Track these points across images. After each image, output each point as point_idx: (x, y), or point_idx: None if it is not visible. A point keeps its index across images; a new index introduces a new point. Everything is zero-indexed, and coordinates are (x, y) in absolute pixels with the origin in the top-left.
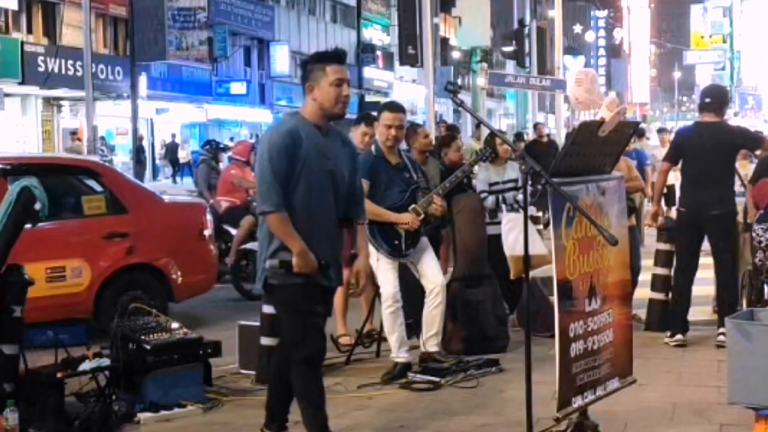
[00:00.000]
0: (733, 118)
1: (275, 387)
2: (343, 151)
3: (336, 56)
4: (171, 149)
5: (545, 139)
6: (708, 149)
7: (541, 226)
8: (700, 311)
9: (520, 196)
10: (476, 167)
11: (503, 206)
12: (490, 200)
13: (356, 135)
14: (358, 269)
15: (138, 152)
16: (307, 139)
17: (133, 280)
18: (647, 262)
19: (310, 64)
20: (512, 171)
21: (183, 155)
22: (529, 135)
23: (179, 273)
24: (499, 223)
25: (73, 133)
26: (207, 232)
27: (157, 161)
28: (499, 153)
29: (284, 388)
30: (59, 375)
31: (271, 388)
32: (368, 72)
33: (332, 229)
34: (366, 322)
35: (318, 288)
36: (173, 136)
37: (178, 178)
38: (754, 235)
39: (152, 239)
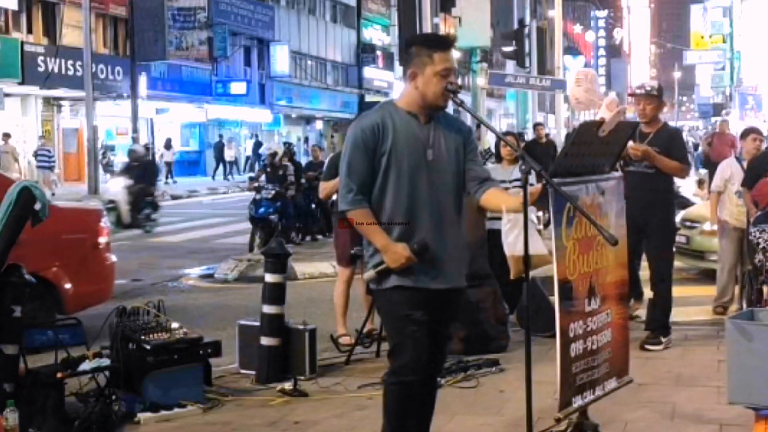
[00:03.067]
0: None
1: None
2: (449, 137)
3: (445, 43)
4: (218, 149)
5: (544, 140)
6: None
7: (541, 227)
8: (701, 311)
9: None
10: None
11: None
12: None
13: None
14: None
15: None
16: (396, 130)
17: None
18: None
19: (415, 47)
20: (519, 171)
21: (230, 154)
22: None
23: (71, 283)
24: (500, 218)
25: (6, 135)
26: (102, 240)
27: (157, 161)
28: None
29: (405, 416)
30: (59, 375)
31: (389, 419)
32: (368, 72)
33: (440, 223)
34: (366, 321)
35: (421, 292)
36: (220, 136)
37: (229, 176)
38: (751, 236)
39: (41, 247)
